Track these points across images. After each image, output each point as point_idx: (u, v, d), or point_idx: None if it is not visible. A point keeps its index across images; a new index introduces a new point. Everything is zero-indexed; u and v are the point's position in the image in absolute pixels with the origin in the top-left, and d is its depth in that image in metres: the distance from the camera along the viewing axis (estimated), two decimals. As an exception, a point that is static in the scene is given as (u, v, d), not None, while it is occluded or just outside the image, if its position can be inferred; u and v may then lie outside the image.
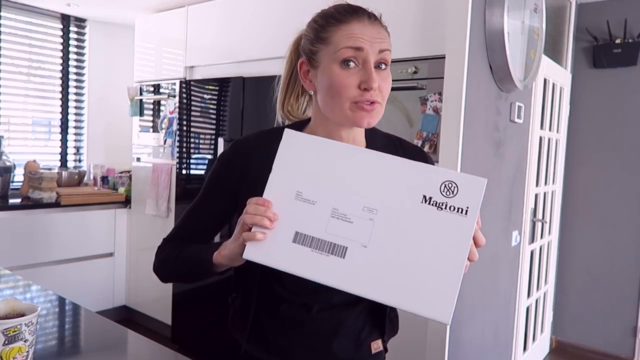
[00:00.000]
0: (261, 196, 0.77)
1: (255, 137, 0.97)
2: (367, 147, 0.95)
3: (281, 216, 0.76)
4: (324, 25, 0.86)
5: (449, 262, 0.73)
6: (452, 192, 0.73)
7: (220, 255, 0.84)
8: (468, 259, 0.73)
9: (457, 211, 0.73)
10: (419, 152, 1.00)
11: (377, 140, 0.97)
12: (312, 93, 0.92)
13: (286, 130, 0.79)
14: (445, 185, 0.73)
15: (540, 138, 2.74)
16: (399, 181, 0.75)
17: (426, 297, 0.73)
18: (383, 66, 0.85)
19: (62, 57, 3.60)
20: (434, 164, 0.95)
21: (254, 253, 0.77)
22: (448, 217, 0.73)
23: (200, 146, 2.84)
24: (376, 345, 1.00)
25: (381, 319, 1.00)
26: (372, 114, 0.84)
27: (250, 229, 0.76)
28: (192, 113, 2.87)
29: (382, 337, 1.01)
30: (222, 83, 2.71)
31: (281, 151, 0.79)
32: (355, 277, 0.74)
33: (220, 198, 0.97)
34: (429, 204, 0.74)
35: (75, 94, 3.70)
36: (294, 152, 0.78)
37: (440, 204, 0.74)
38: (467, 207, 0.73)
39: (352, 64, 0.82)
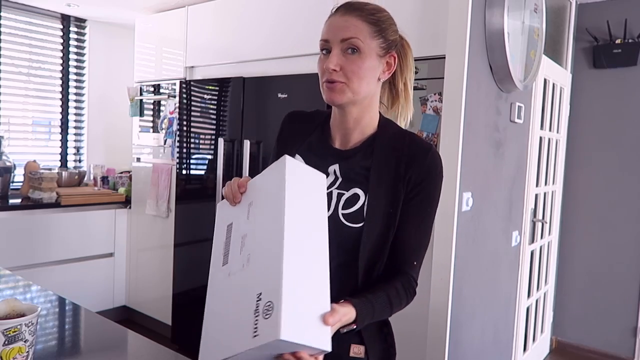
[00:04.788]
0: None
1: (307, 112, 1.14)
2: (377, 134, 1.01)
3: (242, 203, 0.90)
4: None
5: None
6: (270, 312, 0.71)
7: None
8: None
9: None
10: (422, 152, 0.97)
11: (388, 131, 1.02)
12: None
13: (286, 157, 0.85)
14: (266, 306, 0.71)
15: (541, 138, 2.74)
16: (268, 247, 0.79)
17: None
18: (354, 51, 0.95)
19: (62, 57, 3.60)
20: (437, 166, 0.98)
21: (221, 210, 0.95)
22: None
23: (201, 146, 2.84)
24: (357, 350, 0.95)
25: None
26: (334, 92, 0.95)
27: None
28: (192, 113, 2.87)
29: (364, 345, 0.95)
30: (222, 83, 2.71)
31: (272, 167, 0.87)
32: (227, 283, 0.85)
33: None
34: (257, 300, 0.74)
35: (75, 94, 3.70)
36: (278, 172, 0.84)
37: (257, 311, 0.73)
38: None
39: (325, 51, 0.97)
